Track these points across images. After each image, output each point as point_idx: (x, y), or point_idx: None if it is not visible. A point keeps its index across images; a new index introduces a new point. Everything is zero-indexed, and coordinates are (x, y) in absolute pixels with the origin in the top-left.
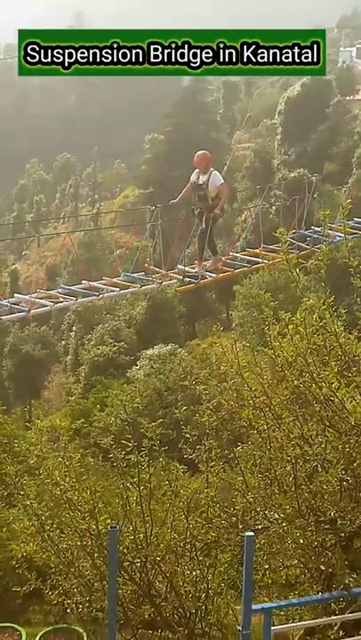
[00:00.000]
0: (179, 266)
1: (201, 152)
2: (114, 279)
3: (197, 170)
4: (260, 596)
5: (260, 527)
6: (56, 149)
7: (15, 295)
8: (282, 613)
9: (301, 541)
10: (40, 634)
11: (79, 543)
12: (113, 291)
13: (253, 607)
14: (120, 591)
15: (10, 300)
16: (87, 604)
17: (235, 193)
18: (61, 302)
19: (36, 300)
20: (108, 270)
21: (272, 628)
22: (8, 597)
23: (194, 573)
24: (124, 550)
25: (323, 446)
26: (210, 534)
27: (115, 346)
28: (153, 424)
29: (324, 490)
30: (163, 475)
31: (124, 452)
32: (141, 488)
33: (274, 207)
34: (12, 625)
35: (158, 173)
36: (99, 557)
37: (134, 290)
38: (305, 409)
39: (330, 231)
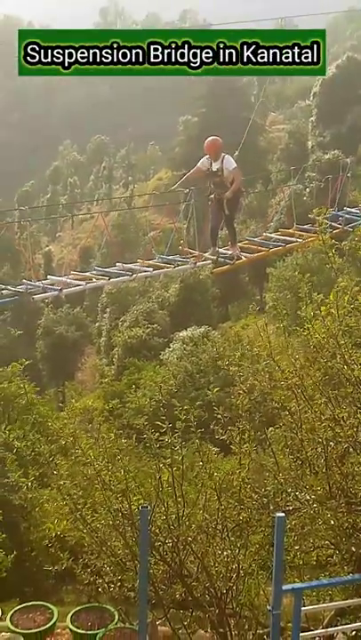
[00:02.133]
0: (214, 248)
1: (211, 138)
2: (148, 261)
3: (207, 156)
4: (291, 576)
5: (291, 508)
6: (90, 131)
7: (49, 277)
8: (313, 594)
9: (332, 523)
10: (72, 612)
11: (111, 523)
12: (146, 271)
13: (284, 588)
14: (151, 571)
15: (43, 281)
16: (119, 584)
17: (269, 175)
18: (93, 282)
19: (68, 281)
20: (142, 252)
21: (302, 608)
22: (41, 577)
23: (225, 554)
24: (156, 530)
25: (354, 428)
26: (241, 515)
27: (148, 328)
28: (188, 406)
29: (355, 471)
30: (195, 456)
31: (157, 434)
32: (174, 469)
33: (308, 189)
34: (44, 603)
35: (192, 155)
36: (131, 537)
37: (168, 270)
38: (337, 391)
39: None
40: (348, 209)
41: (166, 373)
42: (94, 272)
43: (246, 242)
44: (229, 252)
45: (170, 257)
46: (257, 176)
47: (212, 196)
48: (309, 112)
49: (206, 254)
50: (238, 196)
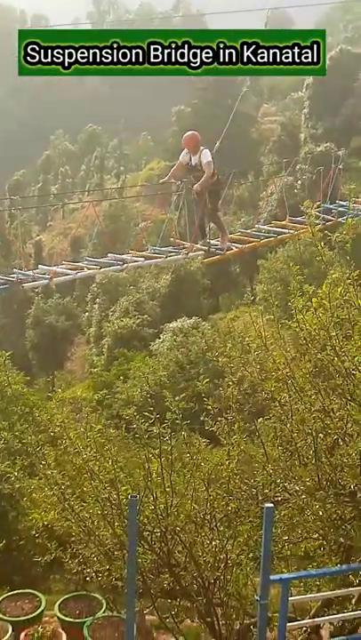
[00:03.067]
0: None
1: (189, 133)
2: (139, 252)
3: (186, 150)
4: (279, 567)
5: (279, 499)
6: (82, 121)
7: (39, 266)
8: (300, 585)
9: (321, 514)
10: (60, 601)
11: (100, 512)
12: (137, 261)
13: (272, 578)
14: (140, 560)
15: (34, 270)
16: (107, 573)
17: (261, 167)
18: (84, 272)
19: (59, 270)
20: (133, 243)
21: (290, 598)
22: (29, 566)
23: (213, 544)
24: (145, 520)
25: (344, 420)
26: (230, 506)
27: (138, 318)
28: (177, 398)
29: (344, 463)
30: (184, 447)
31: (146, 424)
32: (163, 459)
33: (299, 181)
34: (32, 592)
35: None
36: (119, 527)
37: (159, 261)
38: (327, 382)
39: (355, 204)
40: (341, 202)
41: (156, 364)
42: (85, 262)
43: (238, 233)
44: (220, 244)
45: (162, 248)
46: (249, 168)
47: (195, 189)
48: (302, 104)
49: (197, 245)
50: (218, 188)
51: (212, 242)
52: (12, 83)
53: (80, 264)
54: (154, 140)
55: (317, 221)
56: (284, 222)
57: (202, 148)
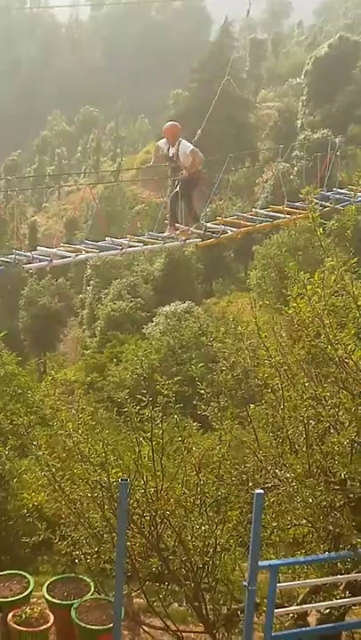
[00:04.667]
0: (200, 222)
1: (170, 123)
2: (137, 237)
3: (165, 140)
4: (268, 553)
5: (270, 485)
6: (79, 102)
7: (38, 248)
8: (288, 571)
9: (310, 501)
10: (48, 582)
11: (90, 495)
12: (135, 246)
13: (260, 564)
14: (129, 543)
15: (33, 252)
16: (96, 556)
17: (257, 152)
18: (82, 255)
19: (58, 252)
20: (127, 226)
21: (278, 584)
22: (18, 546)
23: (202, 529)
24: (135, 504)
25: (336, 408)
26: (220, 491)
27: (131, 301)
28: (169, 381)
29: (335, 451)
30: (175, 431)
31: (137, 407)
32: (154, 443)
33: (296, 168)
34: (20, 572)
35: (181, 130)
36: (109, 510)
37: (156, 247)
38: (320, 370)
39: (351, 192)
40: (338, 189)
41: (148, 348)
42: (83, 246)
43: (235, 217)
44: (200, 231)
45: (159, 234)
46: (245, 153)
47: (175, 180)
48: (301, 90)
49: (192, 228)
50: (197, 178)
51: (208, 225)
52: (7, 60)
53: (79, 247)
54: (151, 123)
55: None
56: (281, 207)
57: (180, 139)
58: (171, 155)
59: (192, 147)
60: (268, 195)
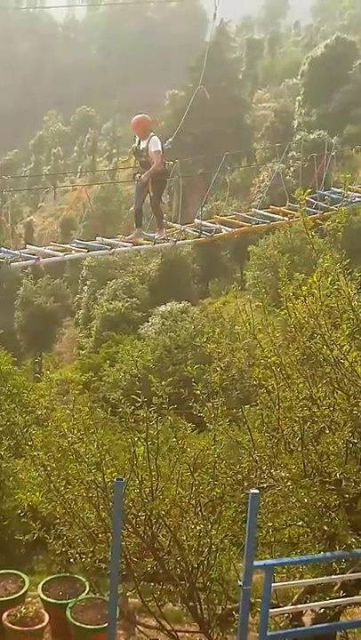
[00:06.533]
0: (196, 220)
1: (138, 116)
2: (128, 237)
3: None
4: (263, 553)
5: (265, 485)
6: (76, 102)
7: (28, 246)
8: (283, 571)
9: (306, 501)
10: (43, 582)
11: (85, 495)
12: (125, 246)
13: (255, 563)
14: (124, 543)
15: (22, 250)
16: (91, 555)
17: (253, 152)
18: (72, 254)
19: (46, 250)
20: (124, 225)
21: (273, 584)
22: (13, 546)
23: (198, 528)
24: (130, 503)
25: (331, 408)
26: (215, 491)
27: (127, 301)
28: (163, 383)
29: (330, 451)
30: (170, 431)
31: (132, 407)
32: (149, 443)
33: (292, 168)
34: (15, 572)
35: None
36: (104, 509)
37: (147, 247)
38: (315, 370)
39: (349, 192)
40: (335, 189)
41: (144, 348)
42: (74, 245)
43: (233, 216)
44: (156, 235)
45: (150, 234)
46: (242, 153)
47: (137, 174)
48: (297, 90)
49: (186, 227)
50: (163, 178)
51: (204, 223)
52: (4, 59)
53: (68, 246)
54: None
55: (313, 209)
56: (282, 208)
57: (152, 134)
58: (141, 149)
59: (159, 148)
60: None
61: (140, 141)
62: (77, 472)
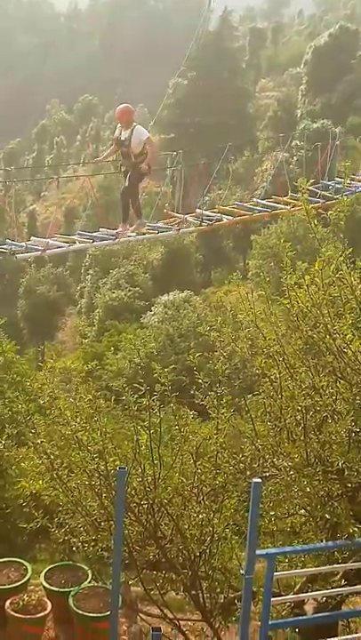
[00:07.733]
0: (197, 210)
1: (122, 105)
2: (131, 228)
3: (119, 125)
4: (265, 542)
5: (267, 474)
6: (79, 91)
7: (32, 238)
8: (285, 560)
9: (308, 490)
10: (45, 570)
11: (87, 483)
12: (129, 235)
13: (257, 552)
14: (126, 532)
15: (27, 242)
16: (93, 544)
17: (256, 142)
18: (76, 245)
19: (51, 242)
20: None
21: (275, 573)
22: (15, 534)
23: (200, 517)
24: (132, 492)
25: (333, 397)
26: (217, 479)
27: (130, 291)
28: (166, 370)
29: (332, 440)
30: (173, 420)
31: (135, 396)
32: (151, 432)
33: (295, 157)
34: (18, 560)
35: (180, 119)
36: (106, 498)
37: (150, 237)
38: (317, 360)
39: (352, 181)
40: (338, 178)
41: (147, 337)
42: (78, 235)
43: (235, 206)
44: (125, 230)
45: (154, 224)
46: (245, 143)
47: (122, 167)
48: (300, 80)
49: (188, 216)
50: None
51: (206, 212)
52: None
53: (73, 237)
54: (150, 112)
55: (316, 199)
56: (284, 198)
57: (135, 124)
58: (123, 139)
59: (148, 134)
60: (266, 185)
61: (121, 132)
62: (80, 460)
